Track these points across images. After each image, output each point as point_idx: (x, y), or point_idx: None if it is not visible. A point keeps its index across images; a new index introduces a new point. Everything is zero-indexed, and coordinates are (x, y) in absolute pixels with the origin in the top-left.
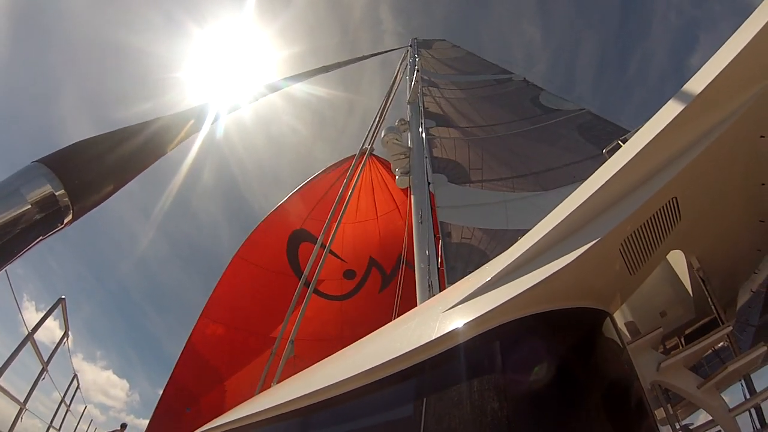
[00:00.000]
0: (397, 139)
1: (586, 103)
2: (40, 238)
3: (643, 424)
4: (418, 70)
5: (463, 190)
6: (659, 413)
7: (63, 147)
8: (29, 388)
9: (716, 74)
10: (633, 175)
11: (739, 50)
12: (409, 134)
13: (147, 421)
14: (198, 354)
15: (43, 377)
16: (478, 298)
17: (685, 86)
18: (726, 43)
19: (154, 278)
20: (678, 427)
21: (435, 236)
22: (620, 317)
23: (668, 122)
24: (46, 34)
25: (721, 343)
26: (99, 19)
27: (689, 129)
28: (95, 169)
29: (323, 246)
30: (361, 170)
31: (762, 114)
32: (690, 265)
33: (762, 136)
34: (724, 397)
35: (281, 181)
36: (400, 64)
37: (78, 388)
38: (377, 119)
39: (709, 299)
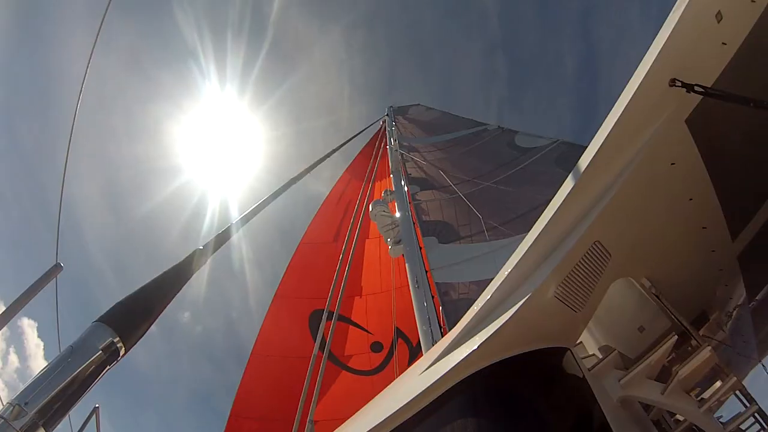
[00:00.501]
0: (384, 211)
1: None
2: (107, 369)
3: None
4: (395, 139)
5: (454, 248)
6: (638, 421)
7: (112, 306)
8: None
9: (613, 122)
10: (554, 233)
11: (631, 94)
12: (396, 203)
13: None
14: None
15: None
16: (446, 357)
17: (593, 140)
18: (622, 92)
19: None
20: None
21: (433, 298)
22: (593, 344)
23: (576, 182)
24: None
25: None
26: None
27: (596, 179)
28: (134, 318)
29: (331, 314)
30: (355, 244)
31: (666, 145)
32: (643, 287)
33: (672, 164)
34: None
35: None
36: (380, 135)
37: None
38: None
39: (667, 311)
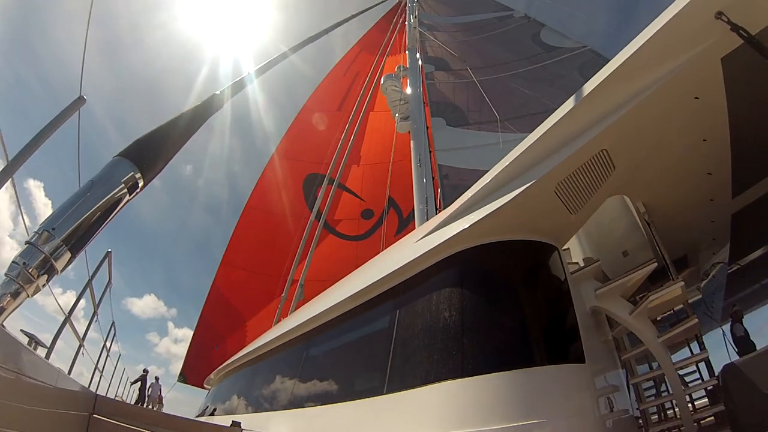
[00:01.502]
0: (395, 86)
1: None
2: (126, 200)
3: (572, 340)
4: (415, 16)
5: (461, 132)
6: (602, 333)
7: (132, 141)
8: (84, 331)
9: (648, 38)
10: (566, 129)
11: (674, 14)
12: (408, 80)
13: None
14: (222, 297)
15: (95, 320)
16: (442, 229)
17: (620, 52)
18: (664, 11)
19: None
20: (621, 346)
21: (434, 179)
22: (580, 253)
23: (597, 84)
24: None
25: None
26: None
27: (618, 90)
28: (154, 153)
29: (331, 181)
30: (363, 115)
31: (694, 77)
32: (637, 210)
33: (696, 98)
34: None
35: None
36: (399, 10)
37: (115, 335)
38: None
39: (654, 241)
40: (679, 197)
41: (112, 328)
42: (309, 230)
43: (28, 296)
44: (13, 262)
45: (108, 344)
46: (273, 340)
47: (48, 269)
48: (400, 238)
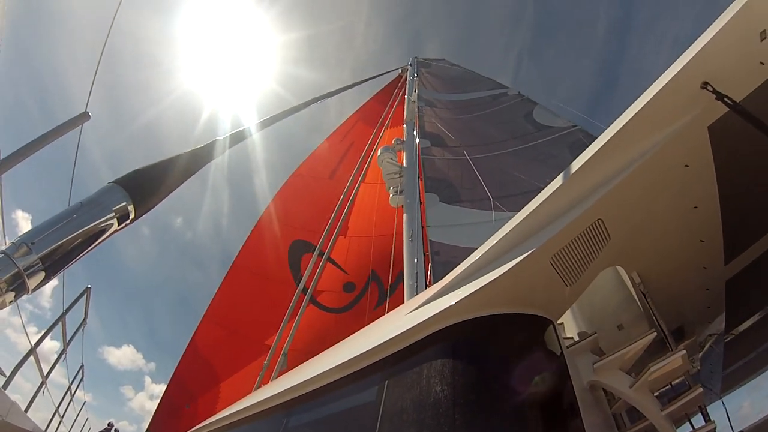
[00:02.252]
0: (391, 159)
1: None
2: (114, 230)
3: (572, 418)
4: (415, 90)
5: (454, 209)
6: (602, 409)
7: (129, 172)
8: (49, 368)
9: (638, 110)
10: (560, 201)
11: (662, 86)
12: (404, 153)
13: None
14: (199, 354)
15: (63, 358)
16: (434, 302)
17: (612, 124)
18: (652, 84)
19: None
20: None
21: (425, 255)
22: (574, 328)
23: (591, 156)
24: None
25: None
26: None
27: (611, 160)
28: (150, 187)
29: (321, 254)
30: (358, 185)
31: (684, 146)
32: (632, 281)
33: (686, 165)
34: None
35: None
36: (399, 84)
37: (82, 379)
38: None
39: (651, 311)
40: (673, 266)
41: (81, 372)
42: (295, 302)
43: None
44: None
45: (73, 387)
46: (252, 406)
47: (18, 286)
48: (380, 310)
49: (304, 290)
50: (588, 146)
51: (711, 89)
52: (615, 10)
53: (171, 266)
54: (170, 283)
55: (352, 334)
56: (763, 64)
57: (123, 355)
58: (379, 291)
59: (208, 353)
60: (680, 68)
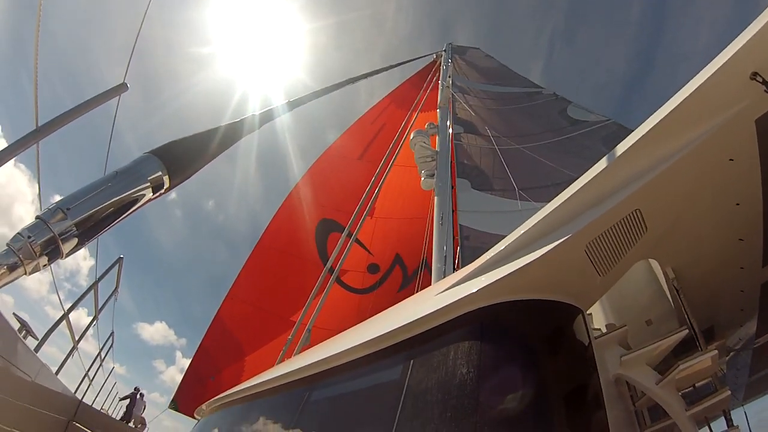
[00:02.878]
0: (424, 142)
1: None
2: (148, 199)
3: (596, 409)
4: (450, 76)
5: (485, 196)
6: (625, 405)
7: (165, 143)
8: (81, 333)
9: (682, 100)
10: (598, 189)
11: (708, 76)
12: (437, 138)
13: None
14: (225, 328)
15: (94, 324)
16: (464, 284)
17: (656, 112)
18: (699, 73)
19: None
20: (642, 419)
21: (454, 239)
22: (602, 319)
23: (632, 144)
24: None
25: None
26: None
27: (653, 150)
28: (184, 158)
29: (350, 235)
30: (390, 167)
31: (729, 139)
32: (666, 275)
33: (731, 159)
34: None
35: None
36: (433, 69)
37: (112, 346)
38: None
39: (683, 308)
40: (709, 264)
41: (111, 339)
42: (322, 280)
43: (26, 273)
44: (18, 233)
45: (103, 353)
46: (274, 379)
47: (52, 250)
48: (404, 294)
49: (330, 270)
50: (622, 138)
51: (761, 80)
52: None
53: (203, 246)
54: (201, 262)
55: (372, 314)
56: None
57: (155, 331)
58: (403, 275)
59: (234, 328)
60: (729, 57)
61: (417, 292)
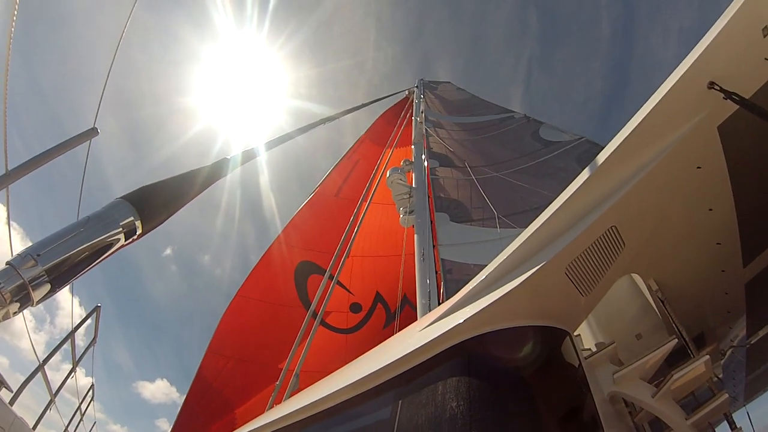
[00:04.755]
0: (401, 180)
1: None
2: (121, 245)
3: (593, 429)
4: (422, 112)
5: (464, 228)
6: (624, 421)
7: (137, 188)
8: (58, 386)
9: (645, 115)
10: (572, 211)
11: (668, 89)
12: (413, 174)
13: None
14: (209, 385)
15: (72, 376)
16: (448, 317)
17: (623, 128)
18: (658, 87)
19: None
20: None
21: (437, 273)
22: (591, 339)
23: (601, 163)
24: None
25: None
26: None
27: (622, 166)
28: (157, 203)
29: (331, 277)
30: (368, 206)
31: (695, 148)
32: (649, 288)
33: (699, 167)
34: None
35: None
36: (406, 105)
37: (93, 399)
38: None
39: (670, 318)
40: (690, 271)
41: (91, 391)
42: (306, 325)
43: None
44: None
45: (83, 407)
46: (264, 426)
47: (23, 297)
48: (389, 330)
49: (314, 314)
50: (595, 156)
51: (718, 88)
52: (617, 8)
53: (199, 300)
54: (199, 315)
55: (360, 352)
56: (767, 59)
57: (157, 389)
58: (386, 312)
59: (219, 383)
60: (685, 70)
61: (396, 326)
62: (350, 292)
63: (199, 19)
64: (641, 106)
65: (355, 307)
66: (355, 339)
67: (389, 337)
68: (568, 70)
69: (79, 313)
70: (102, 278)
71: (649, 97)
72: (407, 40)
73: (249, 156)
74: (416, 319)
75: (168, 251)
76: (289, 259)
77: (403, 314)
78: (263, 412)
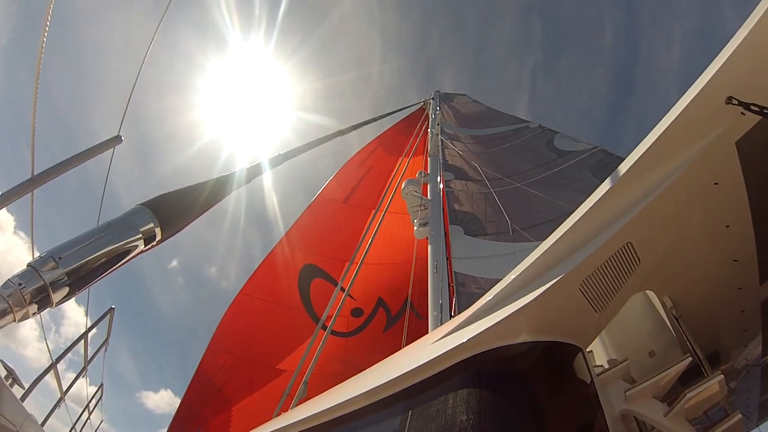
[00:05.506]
0: (416, 191)
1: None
2: (140, 251)
3: None
4: (438, 124)
5: (478, 242)
6: None
7: (157, 195)
8: (69, 383)
9: (662, 131)
10: (588, 227)
11: (685, 105)
12: (428, 186)
13: None
14: (209, 380)
15: (83, 375)
16: (461, 330)
17: (640, 144)
18: (677, 102)
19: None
20: None
21: (449, 286)
22: (603, 355)
23: (619, 178)
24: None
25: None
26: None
27: (639, 182)
28: (177, 210)
29: (343, 289)
30: (383, 216)
31: (712, 163)
32: (664, 305)
33: (716, 183)
34: None
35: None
36: (422, 117)
37: (101, 399)
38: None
39: (684, 336)
40: (706, 288)
41: (101, 390)
42: (315, 337)
43: (15, 320)
44: (8, 280)
45: (91, 406)
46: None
47: (42, 299)
48: (390, 333)
49: (324, 326)
50: (611, 166)
51: (736, 102)
52: (619, 14)
53: (204, 311)
54: (204, 325)
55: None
56: None
57: (161, 399)
58: (387, 316)
59: (219, 379)
60: (704, 84)
61: (405, 331)
62: (353, 298)
63: (207, 33)
64: (658, 121)
65: (356, 312)
66: (353, 341)
67: (389, 339)
68: (573, 76)
69: (85, 322)
70: (107, 289)
71: (667, 112)
72: (412, 51)
73: (266, 167)
74: (419, 323)
75: (174, 263)
76: (293, 262)
77: (404, 318)
78: (262, 410)
